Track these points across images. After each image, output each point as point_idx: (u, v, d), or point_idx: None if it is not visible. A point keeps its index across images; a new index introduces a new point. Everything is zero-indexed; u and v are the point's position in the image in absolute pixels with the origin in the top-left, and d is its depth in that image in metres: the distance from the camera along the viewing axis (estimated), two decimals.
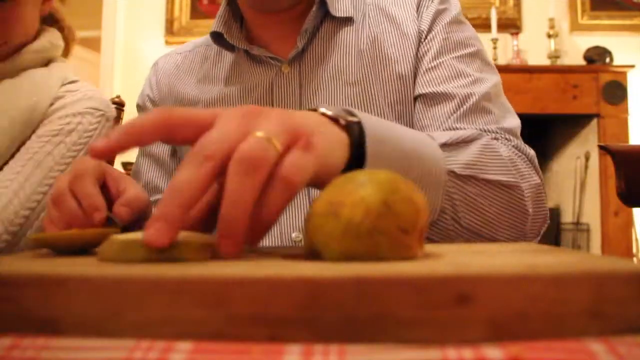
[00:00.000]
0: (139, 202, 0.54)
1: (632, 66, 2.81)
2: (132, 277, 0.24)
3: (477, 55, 0.71)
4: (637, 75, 2.87)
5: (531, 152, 0.65)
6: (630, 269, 0.24)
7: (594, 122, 2.80)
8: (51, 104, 0.82)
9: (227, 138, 0.32)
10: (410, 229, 0.30)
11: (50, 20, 0.93)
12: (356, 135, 0.42)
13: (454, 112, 0.66)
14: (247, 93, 0.74)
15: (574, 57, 3.04)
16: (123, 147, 0.33)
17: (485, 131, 0.64)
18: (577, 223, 2.82)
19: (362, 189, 0.31)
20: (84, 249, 0.38)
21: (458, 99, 0.66)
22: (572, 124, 2.89)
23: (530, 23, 3.09)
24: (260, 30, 0.77)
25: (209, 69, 0.78)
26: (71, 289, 0.24)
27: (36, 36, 0.87)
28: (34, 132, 0.80)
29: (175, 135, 0.34)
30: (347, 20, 0.75)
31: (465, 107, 0.66)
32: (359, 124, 0.43)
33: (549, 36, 3.00)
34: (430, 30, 0.72)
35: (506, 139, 0.64)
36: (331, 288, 0.23)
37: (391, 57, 0.72)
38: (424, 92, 0.69)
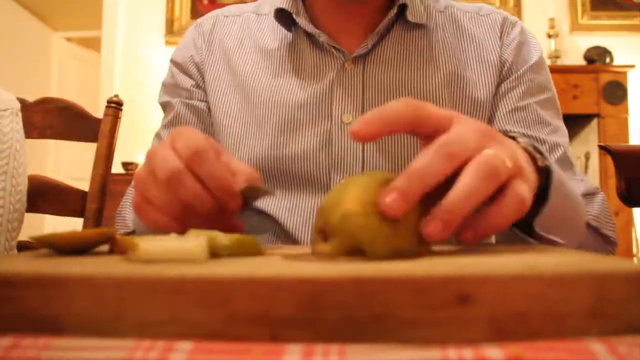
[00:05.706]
0: (255, 177, 0.47)
1: (632, 66, 2.81)
2: (132, 277, 0.24)
3: (553, 100, 0.72)
4: (637, 75, 2.87)
5: None
6: (630, 269, 0.24)
7: (594, 122, 2.81)
8: None
9: (470, 144, 0.34)
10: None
11: None
12: (543, 181, 0.42)
13: None
14: (308, 85, 0.69)
15: (574, 57, 3.04)
16: (378, 134, 0.35)
17: None
18: None
19: None
20: (84, 249, 0.38)
21: (548, 145, 0.67)
22: (572, 124, 2.89)
23: (530, 23, 3.08)
24: (325, 17, 0.72)
25: (268, 46, 0.73)
26: (71, 289, 0.24)
27: None
28: None
29: (417, 128, 0.36)
30: (419, 27, 0.71)
31: (554, 156, 0.66)
32: (547, 169, 0.43)
33: (549, 36, 3.00)
34: (516, 65, 0.70)
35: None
36: (331, 288, 0.23)
37: (469, 79, 0.69)
38: (512, 130, 0.67)
